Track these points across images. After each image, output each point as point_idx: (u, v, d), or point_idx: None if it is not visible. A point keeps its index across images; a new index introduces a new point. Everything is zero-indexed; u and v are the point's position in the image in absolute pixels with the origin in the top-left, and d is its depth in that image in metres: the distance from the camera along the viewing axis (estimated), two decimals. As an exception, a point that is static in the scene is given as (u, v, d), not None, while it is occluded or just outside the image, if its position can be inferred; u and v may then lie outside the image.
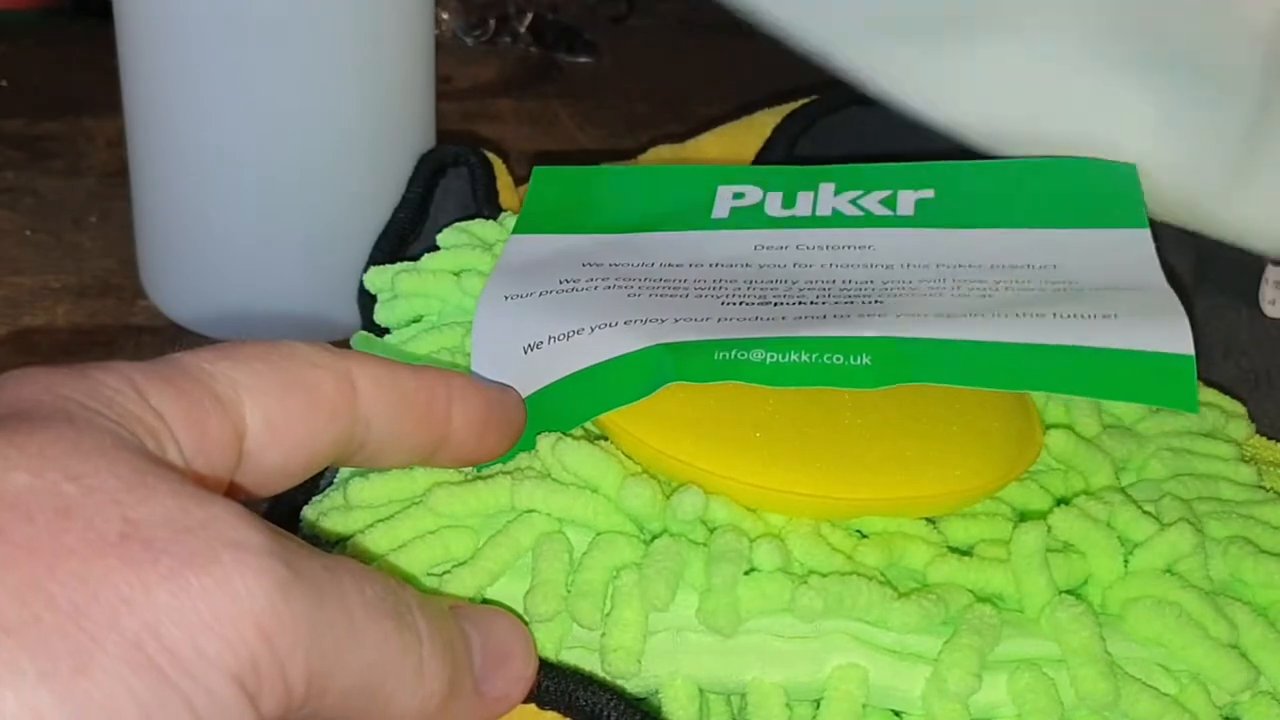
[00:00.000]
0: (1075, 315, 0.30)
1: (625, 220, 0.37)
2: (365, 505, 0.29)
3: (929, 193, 0.37)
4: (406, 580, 0.27)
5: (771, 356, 0.29)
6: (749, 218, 0.37)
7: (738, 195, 0.37)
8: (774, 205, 0.37)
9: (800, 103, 0.48)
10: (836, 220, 0.36)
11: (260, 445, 0.23)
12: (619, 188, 0.39)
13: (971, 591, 0.28)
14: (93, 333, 0.45)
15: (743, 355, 0.29)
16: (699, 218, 0.37)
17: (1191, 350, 0.28)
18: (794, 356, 0.29)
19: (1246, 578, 0.29)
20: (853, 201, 0.37)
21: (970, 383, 0.28)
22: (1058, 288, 0.32)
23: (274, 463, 0.24)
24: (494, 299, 0.33)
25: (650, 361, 0.29)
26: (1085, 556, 0.29)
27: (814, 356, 0.29)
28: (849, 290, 0.32)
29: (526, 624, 0.26)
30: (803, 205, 0.37)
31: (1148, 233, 0.34)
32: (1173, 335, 0.29)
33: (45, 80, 0.61)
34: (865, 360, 0.28)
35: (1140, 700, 0.26)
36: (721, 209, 0.37)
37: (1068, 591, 0.28)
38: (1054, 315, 0.30)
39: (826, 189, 0.37)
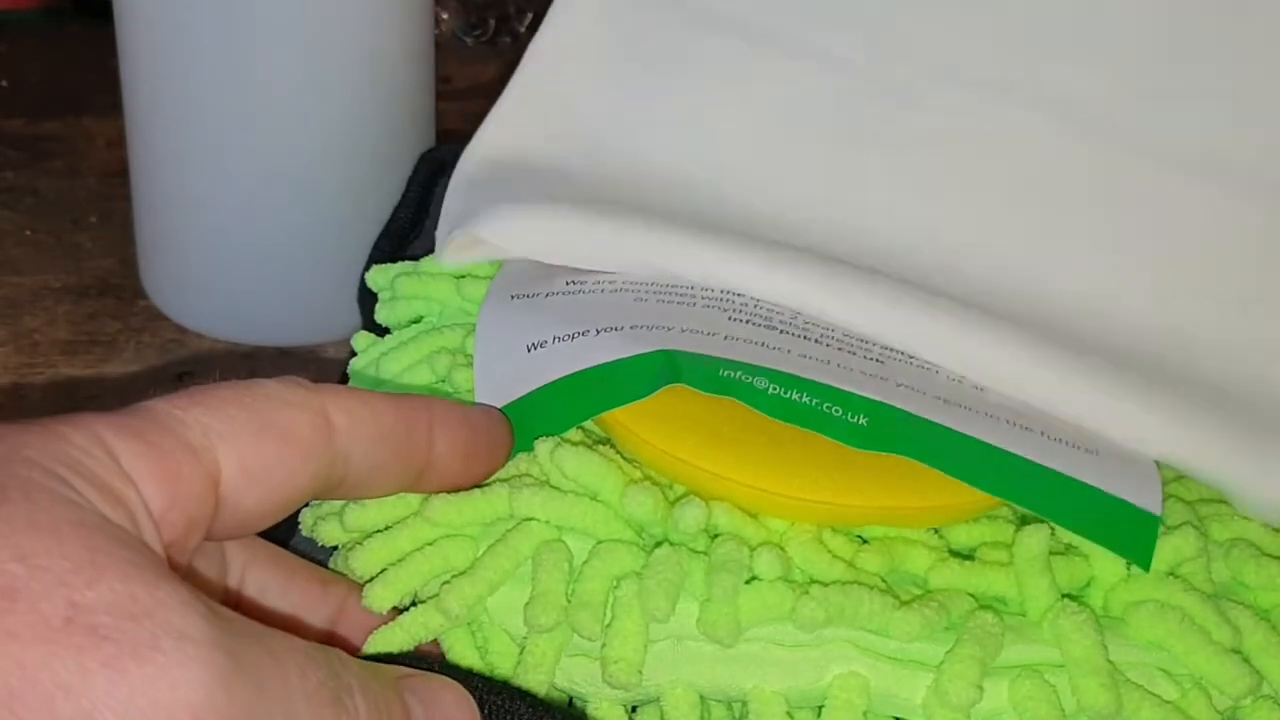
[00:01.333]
0: (1060, 440, 0.30)
1: None
2: (361, 530, 0.29)
3: None
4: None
5: (774, 388, 0.29)
6: None
7: None
8: None
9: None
10: None
11: (236, 491, 0.23)
12: None
13: (973, 596, 0.27)
14: (93, 333, 0.45)
15: (746, 379, 0.29)
16: None
17: (1159, 510, 0.28)
18: (795, 395, 0.29)
19: (1248, 580, 0.29)
20: None
21: (952, 472, 0.28)
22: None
23: (251, 506, 0.24)
24: (499, 298, 0.33)
25: (653, 365, 0.29)
26: (1088, 559, 0.28)
27: (815, 401, 0.29)
28: (850, 342, 0.32)
29: (472, 696, 0.25)
30: None
31: None
32: (1145, 490, 0.29)
33: (45, 80, 0.61)
34: (862, 420, 0.29)
35: (1142, 709, 0.26)
36: None
37: (1070, 595, 0.28)
38: (1041, 434, 0.30)
39: None
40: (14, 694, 0.18)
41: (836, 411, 0.29)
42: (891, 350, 0.32)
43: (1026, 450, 0.29)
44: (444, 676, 0.25)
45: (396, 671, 0.24)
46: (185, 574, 0.23)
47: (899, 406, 0.29)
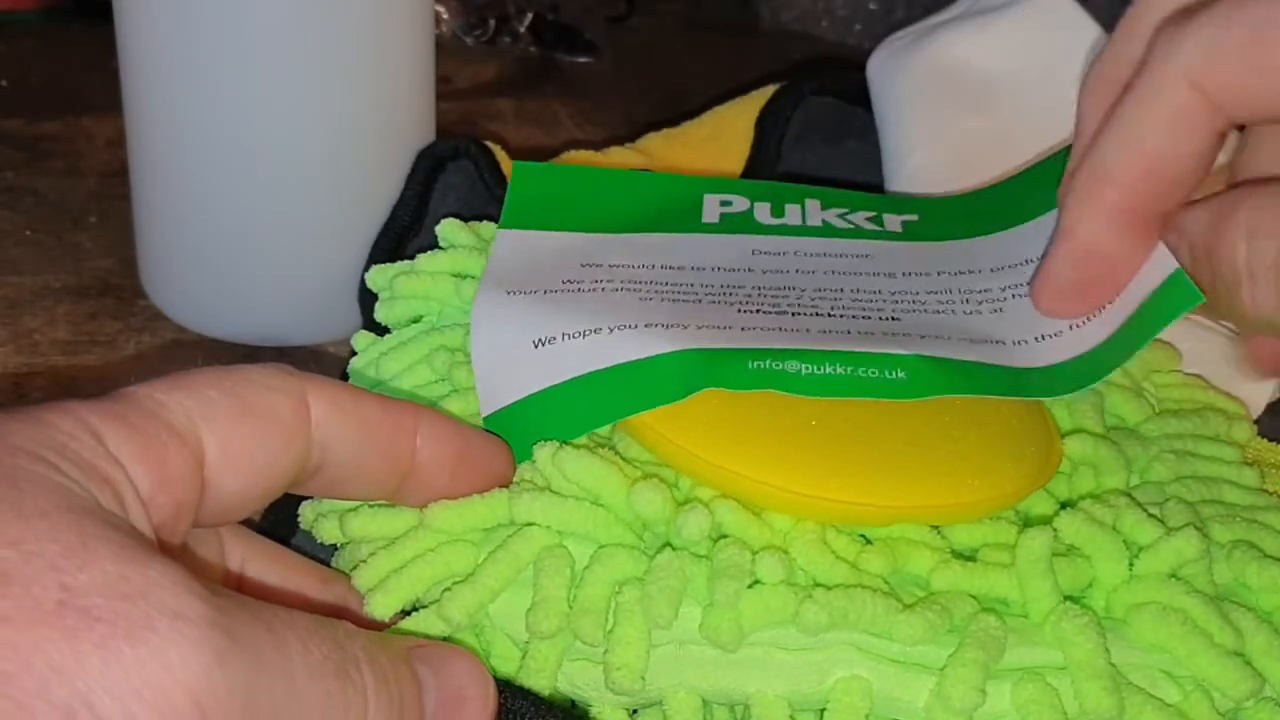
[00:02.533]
0: (1088, 319, 0.31)
1: (615, 220, 0.37)
2: (360, 538, 0.29)
3: (913, 216, 0.38)
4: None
5: (807, 368, 0.29)
6: (740, 223, 0.37)
7: (725, 203, 0.38)
8: (763, 213, 0.37)
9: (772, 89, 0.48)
10: (828, 230, 0.37)
11: (219, 473, 0.23)
12: (605, 188, 0.39)
13: (975, 598, 0.27)
14: (93, 333, 0.45)
15: (778, 365, 0.29)
16: (689, 221, 0.37)
17: (1175, 264, 0.29)
18: (830, 369, 0.29)
19: (1250, 583, 0.29)
20: (841, 216, 0.38)
21: (1004, 394, 0.29)
22: None
23: (233, 490, 0.24)
24: (493, 293, 0.33)
25: (682, 366, 0.29)
26: (1090, 561, 0.28)
27: (850, 370, 0.29)
28: (860, 301, 0.32)
29: (486, 664, 0.25)
30: (792, 215, 0.37)
31: None
32: (1158, 266, 0.29)
33: (45, 80, 0.61)
34: (900, 375, 0.29)
35: (1144, 711, 0.26)
36: (710, 214, 0.37)
37: (1072, 597, 0.28)
38: (1070, 327, 0.30)
39: (813, 204, 0.38)
40: (8, 678, 0.18)
41: (873, 374, 0.29)
42: (902, 297, 0.32)
43: (1066, 352, 0.30)
44: (456, 645, 0.25)
45: (407, 642, 0.24)
46: (178, 556, 0.23)
47: (931, 355, 0.30)
